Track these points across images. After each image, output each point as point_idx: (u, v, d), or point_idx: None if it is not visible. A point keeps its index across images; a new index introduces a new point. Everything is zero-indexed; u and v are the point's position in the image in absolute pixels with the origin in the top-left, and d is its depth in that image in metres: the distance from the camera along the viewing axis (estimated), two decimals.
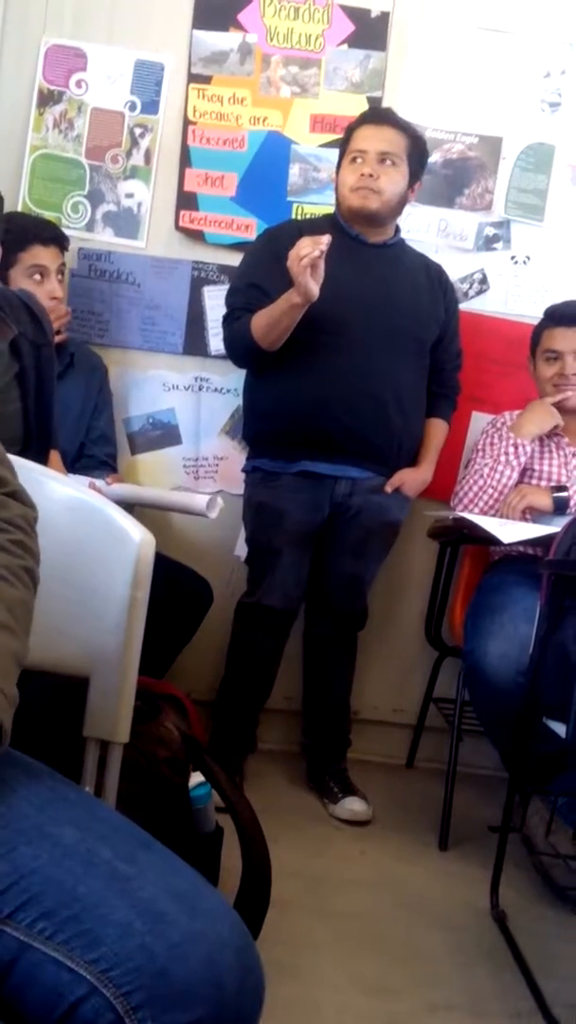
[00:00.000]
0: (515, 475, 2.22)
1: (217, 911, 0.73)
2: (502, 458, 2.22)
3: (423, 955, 1.69)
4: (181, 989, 0.67)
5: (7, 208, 1.87)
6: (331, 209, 2.30)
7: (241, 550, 2.38)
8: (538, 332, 2.33)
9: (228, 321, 2.21)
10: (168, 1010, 0.67)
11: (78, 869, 0.73)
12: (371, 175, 2.12)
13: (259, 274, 2.16)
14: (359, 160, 2.14)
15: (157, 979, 0.67)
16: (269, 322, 2.07)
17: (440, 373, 2.31)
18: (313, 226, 2.21)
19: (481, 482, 2.23)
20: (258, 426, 2.26)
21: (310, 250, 1.93)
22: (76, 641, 1.04)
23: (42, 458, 1.58)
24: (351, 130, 2.19)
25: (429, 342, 2.26)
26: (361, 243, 2.20)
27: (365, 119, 2.19)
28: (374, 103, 2.44)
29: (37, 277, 2.09)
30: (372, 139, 2.14)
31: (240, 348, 2.18)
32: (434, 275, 2.30)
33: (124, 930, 0.70)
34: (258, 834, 1.32)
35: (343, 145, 2.21)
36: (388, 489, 2.21)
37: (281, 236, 2.17)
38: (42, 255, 2.10)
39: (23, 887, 0.73)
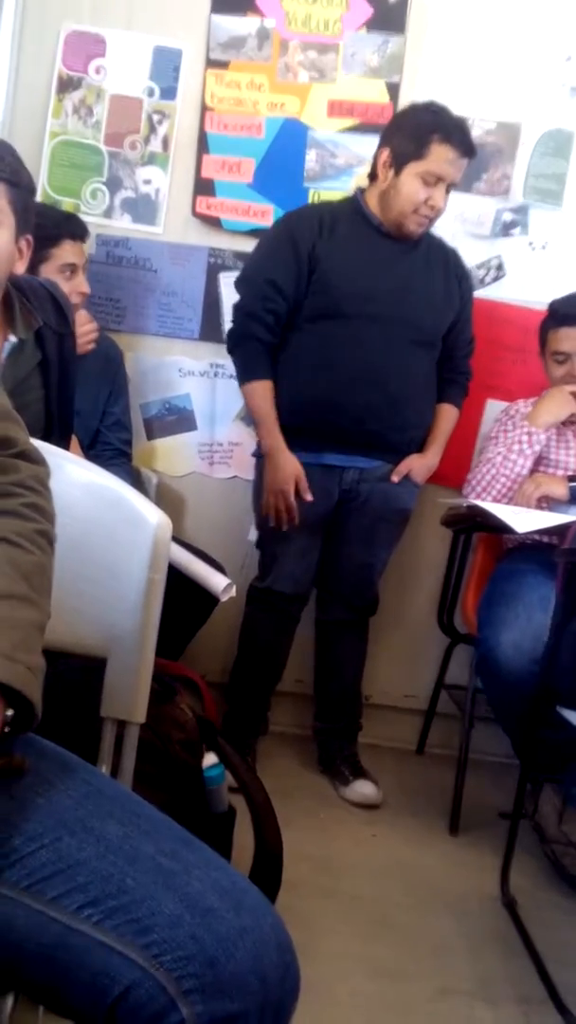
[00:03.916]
0: (528, 464, 2.21)
1: (260, 908, 0.75)
2: (515, 447, 2.22)
3: (433, 940, 1.70)
4: (230, 980, 0.69)
5: None
6: (347, 194, 2.27)
7: (254, 535, 2.39)
8: (544, 330, 2.30)
9: (239, 319, 2.17)
10: (218, 998, 0.68)
11: (123, 863, 0.74)
12: (437, 208, 2.08)
13: (276, 268, 2.12)
14: (432, 184, 2.05)
15: (207, 968, 0.69)
16: (257, 413, 2.19)
17: (451, 360, 2.29)
18: (333, 211, 2.18)
19: (494, 470, 2.23)
20: None
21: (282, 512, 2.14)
22: (94, 622, 1.05)
23: (63, 446, 1.59)
24: (431, 135, 2.03)
25: (442, 332, 2.24)
26: (379, 232, 2.16)
27: (452, 140, 2.03)
28: (392, 88, 2.42)
29: (67, 274, 2.08)
30: (453, 170, 2.06)
31: (237, 367, 2.24)
32: (451, 263, 2.27)
33: (174, 920, 0.71)
34: (271, 815, 1.34)
35: (417, 144, 2.04)
36: (395, 478, 2.20)
37: (301, 224, 2.14)
38: (72, 252, 2.10)
39: (69, 875, 0.73)
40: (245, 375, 2.20)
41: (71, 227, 2.10)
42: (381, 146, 2.12)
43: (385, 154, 2.10)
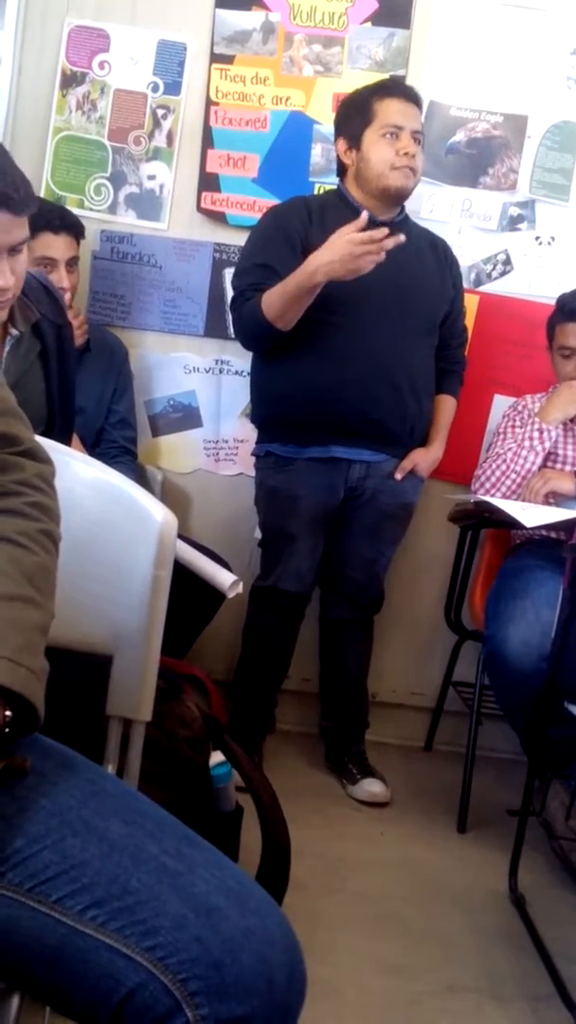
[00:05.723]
0: (539, 460, 2.20)
1: (265, 908, 0.74)
2: (526, 443, 2.21)
3: (442, 937, 1.70)
4: (236, 982, 0.68)
5: None
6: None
7: (259, 534, 2.38)
8: (552, 325, 2.29)
9: (237, 303, 2.14)
10: (224, 1000, 0.67)
11: (127, 863, 0.73)
12: (412, 155, 2.09)
13: (268, 253, 2.11)
14: (394, 136, 2.09)
15: (213, 970, 0.68)
16: (284, 302, 2.00)
17: (447, 350, 2.29)
18: (321, 202, 2.19)
19: (504, 466, 2.22)
20: (268, 410, 2.23)
21: (375, 256, 1.91)
22: (100, 620, 1.05)
23: (65, 439, 1.59)
24: (370, 99, 2.11)
25: (439, 320, 2.23)
26: (370, 221, 2.13)
27: (392, 92, 2.13)
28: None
29: (42, 267, 2.00)
30: (407, 116, 2.10)
31: (253, 330, 2.10)
32: (440, 252, 2.27)
33: (179, 922, 0.70)
34: (278, 813, 1.34)
35: (361, 113, 2.11)
36: (399, 476, 2.19)
37: (288, 214, 2.15)
38: (52, 245, 2.04)
39: (72, 876, 0.73)
40: (252, 310, 2.06)
41: (50, 219, 2.03)
42: (335, 142, 2.19)
43: (341, 143, 2.17)
